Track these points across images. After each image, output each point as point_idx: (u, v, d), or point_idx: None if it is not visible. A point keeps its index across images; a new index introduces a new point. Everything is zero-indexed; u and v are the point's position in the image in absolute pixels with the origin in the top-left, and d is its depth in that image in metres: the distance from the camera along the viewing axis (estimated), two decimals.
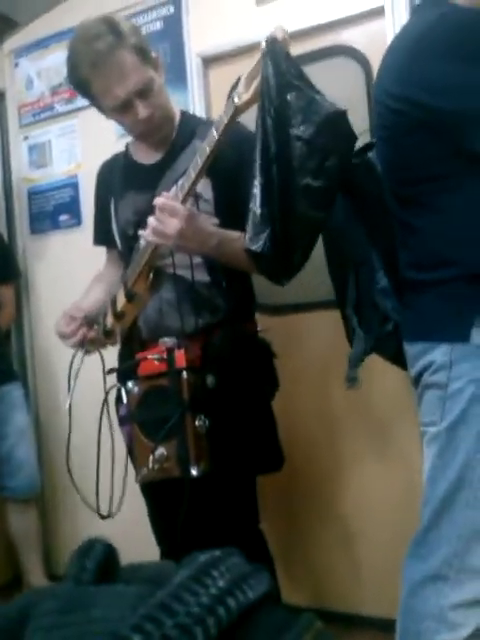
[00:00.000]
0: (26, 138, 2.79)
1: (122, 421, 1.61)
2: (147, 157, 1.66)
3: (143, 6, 2.46)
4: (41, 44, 2.71)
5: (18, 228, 2.83)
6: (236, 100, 1.30)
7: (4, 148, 2.84)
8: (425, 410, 1.25)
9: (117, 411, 1.64)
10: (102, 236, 1.82)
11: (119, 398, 1.59)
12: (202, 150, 1.37)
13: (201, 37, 2.38)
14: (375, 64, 2.10)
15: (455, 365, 1.17)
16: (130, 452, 1.57)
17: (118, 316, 1.63)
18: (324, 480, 2.26)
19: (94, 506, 1.56)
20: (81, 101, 2.58)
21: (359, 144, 1.42)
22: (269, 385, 1.67)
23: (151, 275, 1.57)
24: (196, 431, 1.42)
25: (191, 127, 1.61)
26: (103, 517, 1.54)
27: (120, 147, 1.88)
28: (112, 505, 1.54)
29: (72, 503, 2.67)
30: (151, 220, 1.39)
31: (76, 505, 2.64)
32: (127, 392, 1.52)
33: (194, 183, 1.39)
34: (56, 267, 2.72)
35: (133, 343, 1.66)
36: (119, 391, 1.58)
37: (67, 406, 1.64)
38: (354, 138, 1.37)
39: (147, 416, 1.48)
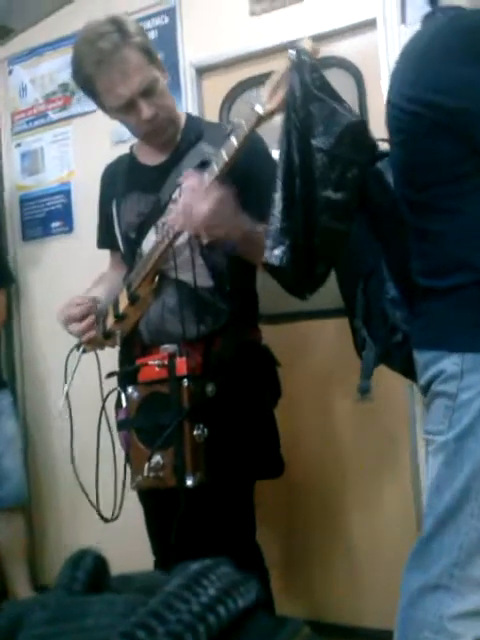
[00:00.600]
0: (19, 145, 2.79)
1: (120, 426, 1.60)
2: (152, 159, 1.65)
3: (138, 16, 2.47)
4: (35, 52, 2.72)
5: (10, 235, 2.83)
6: (259, 109, 1.29)
7: None
8: (432, 419, 1.25)
9: (116, 415, 1.63)
10: (106, 239, 1.80)
11: (119, 402, 1.58)
12: (220, 157, 1.35)
13: (195, 47, 2.39)
14: (367, 76, 2.14)
15: (466, 375, 1.16)
16: (127, 458, 1.55)
17: (119, 318, 1.61)
18: (325, 492, 2.25)
19: (96, 510, 1.54)
20: (75, 108, 2.60)
21: None
22: (271, 393, 1.66)
23: (156, 279, 1.56)
24: (194, 440, 1.41)
25: (196, 129, 1.61)
26: (106, 520, 1.51)
27: (114, 155, 1.88)
28: (115, 508, 1.53)
29: (59, 512, 2.67)
30: (178, 205, 1.37)
31: (63, 514, 2.65)
32: (127, 397, 1.51)
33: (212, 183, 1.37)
34: (48, 274, 2.72)
35: (134, 347, 1.64)
36: (119, 395, 1.57)
37: (61, 404, 1.63)
38: (375, 148, 1.36)
39: (145, 422, 1.47)
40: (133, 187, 1.65)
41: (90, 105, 2.50)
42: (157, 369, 1.46)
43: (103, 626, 0.35)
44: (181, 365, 1.44)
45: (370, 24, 2.12)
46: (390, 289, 1.41)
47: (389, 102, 1.30)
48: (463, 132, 1.15)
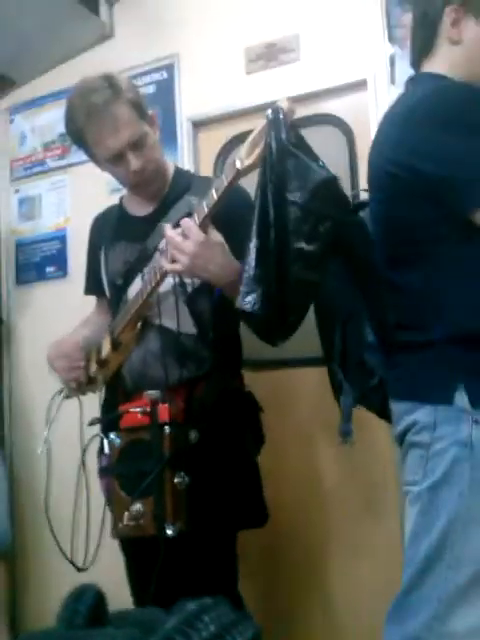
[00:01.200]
0: (17, 191, 2.85)
1: (102, 473, 1.59)
2: (140, 209, 1.69)
3: (137, 71, 2.56)
4: (36, 102, 2.80)
5: (4, 278, 2.85)
6: (238, 165, 1.33)
7: None
8: (408, 469, 1.25)
9: (98, 462, 1.62)
10: (93, 285, 1.83)
11: (101, 449, 1.57)
12: (200, 209, 1.39)
13: (192, 102, 2.47)
14: (357, 133, 2.22)
15: (438, 426, 1.18)
16: (109, 505, 1.54)
17: (102, 363, 1.63)
18: (309, 540, 2.23)
19: (67, 558, 1.53)
20: (73, 157, 2.66)
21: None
22: (254, 440, 1.65)
23: (139, 325, 1.57)
24: (175, 488, 1.40)
25: (184, 182, 1.65)
26: (79, 570, 1.50)
27: (109, 203, 1.92)
28: (87, 558, 1.51)
29: (42, 560, 2.62)
30: (169, 247, 1.39)
31: (45, 560, 2.60)
32: (109, 444, 1.49)
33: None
34: (40, 317, 2.74)
35: (117, 393, 1.64)
36: (102, 442, 1.56)
37: (39, 451, 1.62)
38: (347, 203, 1.40)
39: (126, 470, 1.45)
40: (121, 236, 1.69)
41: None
42: (139, 416, 1.45)
43: None
44: (163, 412, 1.43)
45: (361, 84, 2.21)
46: (368, 334, 1.43)
47: (370, 160, 1.36)
48: (437, 197, 1.20)
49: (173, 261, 1.40)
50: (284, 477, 2.20)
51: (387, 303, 1.35)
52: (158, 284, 1.51)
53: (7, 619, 2.48)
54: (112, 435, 1.49)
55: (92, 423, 1.61)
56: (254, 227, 1.32)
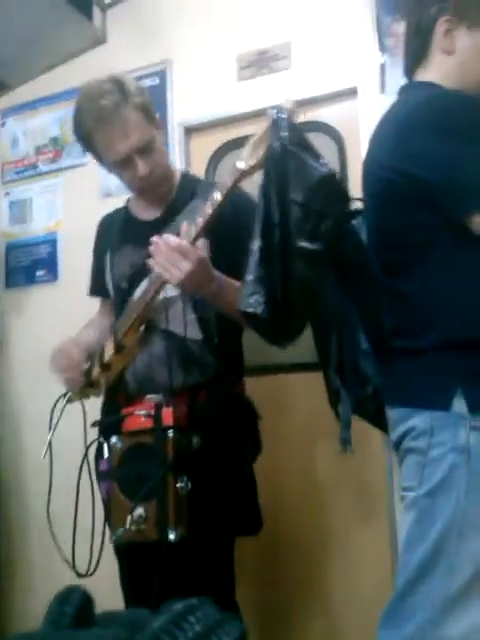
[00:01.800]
0: (7, 194, 2.84)
1: (101, 477, 1.57)
2: (146, 213, 1.69)
3: (130, 76, 2.56)
4: (29, 106, 2.80)
5: None
6: (241, 166, 1.34)
7: None
8: (405, 475, 1.26)
9: (97, 466, 1.60)
10: (97, 287, 1.82)
11: (100, 453, 1.56)
12: (203, 210, 1.39)
13: (184, 108, 2.49)
14: (348, 141, 2.24)
15: (436, 432, 1.18)
16: (107, 509, 1.51)
17: (105, 367, 1.61)
18: (305, 547, 2.23)
19: (69, 564, 1.51)
20: (65, 161, 2.67)
21: None
22: (252, 448, 1.65)
23: (142, 328, 1.57)
24: (177, 493, 1.39)
25: (191, 187, 1.65)
26: (80, 575, 1.46)
27: (101, 207, 1.93)
28: (91, 562, 1.49)
29: (29, 564, 2.60)
30: (158, 257, 1.39)
31: (33, 566, 2.58)
32: (110, 447, 1.48)
33: (196, 235, 1.40)
34: (30, 321, 2.73)
35: (118, 397, 1.63)
36: (100, 445, 1.54)
37: (43, 455, 1.61)
38: (348, 199, 1.41)
39: (127, 473, 1.44)
40: (127, 240, 1.69)
41: (79, 159, 2.60)
42: (142, 419, 1.44)
43: None
44: (167, 416, 1.43)
45: (351, 92, 2.23)
46: (362, 341, 1.44)
47: (365, 167, 1.37)
48: (433, 202, 1.21)
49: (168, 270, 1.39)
50: (281, 481, 2.20)
51: (383, 309, 1.36)
52: (160, 289, 1.51)
53: None
54: (114, 438, 1.48)
55: (95, 425, 1.61)
56: (257, 228, 1.32)
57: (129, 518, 1.38)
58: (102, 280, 1.75)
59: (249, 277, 1.32)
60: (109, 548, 1.56)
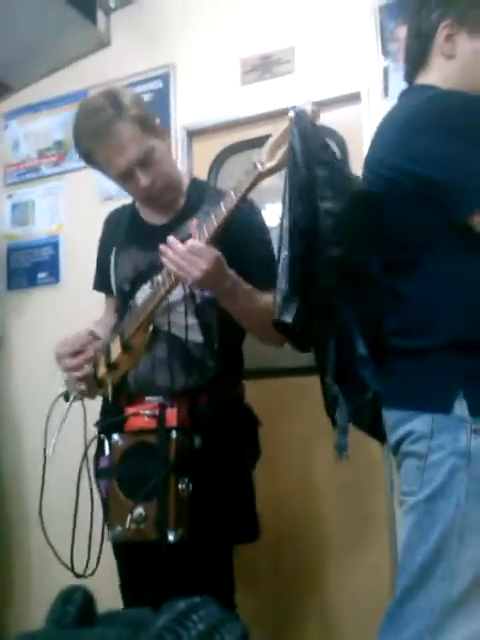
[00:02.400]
0: (10, 196, 2.85)
1: (101, 474, 1.57)
2: (154, 218, 1.69)
3: (133, 79, 2.57)
4: (32, 109, 2.80)
5: None
6: (259, 167, 1.32)
7: None
8: (404, 479, 1.24)
9: (96, 464, 1.60)
10: (101, 282, 1.81)
11: (100, 450, 1.56)
12: (217, 212, 1.37)
13: (187, 111, 2.49)
14: (351, 145, 2.24)
15: (436, 436, 1.17)
16: (105, 508, 1.52)
17: (111, 366, 1.60)
18: (303, 553, 2.22)
19: (65, 565, 1.50)
20: (68, 164, 2.67)
21: None
22: (251, 453, 1.65)
23: (150, 329, 1.56)
24: (178, 494, 1.39)
25: (199, 193, 1.64)
26: (78, 576, 1.47)
27: (103, 211, 1.92)
28: (89, 562, 1.49)
29: (28, 564, 2.60)
30: (171, 254, 1.38)
31: (32, 566, 2.58)
32: (111, 445, 1.48)
33: (210, 237, 1.38)
34: (31, 323, 2.73)
35: (120, 398, 1.62)
36: (101, 443, 1.54)
37: (49, 452, 1.60)
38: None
39: (128, 472, 1.45)
40: (132, 241, 1.68)
41: (82, 162, 2.59)
42: (146, 419, 1.45)
43: None
44: (171, 416, 1.43)
45: (355, 97, 2.23)
46: (359, 347, 1.43)
47: (366, 167, 1.37)
48: (436, 202, 1.21)
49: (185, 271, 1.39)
50: (278, 488, 2.19)
51: (384, 310, 1.35)
52: (171, 289, 1.50)
53: None
54: (115, 436, 1.49)
55: (96, 425, 1.61)
56: (284, 237, 1.30)
57: (129, 517, 1.38)
58: (106, 276, 1.75)
59: (281, 287, 1.31)
60: (109, 549, 1.56)
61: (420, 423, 1.19)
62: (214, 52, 2.45)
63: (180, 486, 1.40)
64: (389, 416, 1.30)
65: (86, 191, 2.58)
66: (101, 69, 2.62)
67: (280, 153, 1.30)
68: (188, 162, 2.49)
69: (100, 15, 2.60)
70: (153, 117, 1.60)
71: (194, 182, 1.74)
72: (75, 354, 1.62)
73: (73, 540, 1.54)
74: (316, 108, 1.30)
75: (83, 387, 1.63)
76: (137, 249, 1.66)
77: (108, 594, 1.82)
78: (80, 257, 2.48)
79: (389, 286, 1.33)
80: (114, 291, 1.73)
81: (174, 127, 2.49)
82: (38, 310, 2.73)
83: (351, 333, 1.46)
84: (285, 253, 1.31)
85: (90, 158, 1.58)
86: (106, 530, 1.49)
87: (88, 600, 0.41)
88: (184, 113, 2.49)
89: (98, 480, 1.58)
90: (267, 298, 1.44)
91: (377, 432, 1.39)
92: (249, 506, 1.62)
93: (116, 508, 1.44)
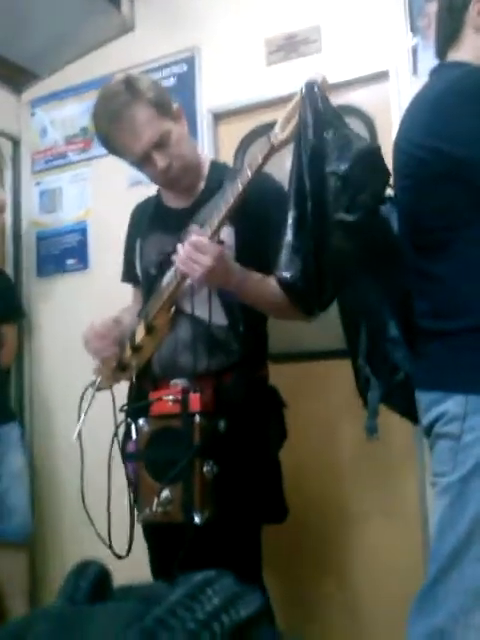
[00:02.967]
0: (38, 184, 2.87)
1: (129, 458, 1.59)
2: (177, 202, 1.70)
3: (157, 63, 2.56)
4: (58, 96, 2.81)
5: (25, 270, 2.88)
6: (272, 139, 1.34)
7: (16, 192, 2.91)
8: (437, 460, 1.24)
9: (123, 448, 1.63)
10: (128, 274, 1.85)
11: (127, 434, 1.58)
12: (234, 187, 1.39)
13: (212, 94, 2.47)
14: (379, 124, 2.20)
15: (469, 417, 1.17)
16: (134, 490, 1.55)
17: (136, 348, 1.63)
18: (330, 535, 2.22)
19: (108, 546, 1.53)
20: (95, 151, 2.68)
21: None
22: (277, 434, 1.65)
23: (173, 309, 1.58)
24: (203, 477, 1.41)
25: (220, 175, 1.65)
26: (119, 557, 1.49)
27: (130, 196, 1.93)
28: (127, 543, 1.52)
29: (63, 548, 2.64)
30: (181, 251, 1.40)
31: (67, 550, 2.62)
32: (137, 429, 1.51)
33: (225, 216, 1.41)
34: (60, 309, 2.76)
35: (145, 381, 1.65)
36: (128, 427, 1.57)
37: (74, 437, 1.63)
38: (388, 174, 1.40)
39: (155, 456, 1.47)
40: (156, 227, 1.71)
41: None
42: (170, 404, 1.47)
43: (107, 635, 0.36)
44: (194, 401, 1.44)
45: (383, 75, 2.19)
46: (391, 329, 1.42)
47: (397, 147, 1.34)
48: (469, 181, 1.19)
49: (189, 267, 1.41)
50: (304, 467, 2.19)
51: (414, 293, 1.34)
52: (181, 284, 1.53)
53: (28, 607, 2.51)
54: (141, 421, 1.51)
55: (122, 409, 1.62)
56: (291, 198, 1.33)
57: (156, 500, 1.40)
58: (133, 267, 1.78)
59: (286, 245, 1.33)
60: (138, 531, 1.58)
61: (453, 404, 1.19)
62: (238, 33, 2.42)
63: (205, 468, 1.41)
64: (422, 397, 1.29)
65: (113, 176, 2.59)
66: (126, 54, 2.61)
67: (291, 125, 1.33)
68: (214, 145, 2.47)
69: (124, 0, 2.59)
70: (170, 102, 1.61)
71: (214, 165, 1.74)
72: (102, 338, 1.64)
73: (109, 523, 1.56)
74: (326, 80, 1.34)
75: (113, 365, 1.66)
76: (161, 233, 1.68)
77: (139, 574, 1.85)
78: (108, 243, 2.50)
79: (419, 268, 1.32)
80: (140, 277, 1.74)
81: (199, 110, 2.48)
82: (67, 296, 2.76)
83: (382, 314, 1.45)
84: (292, 213, 1.33)
85: (109, 143, 1.60)
86: (136, 512, 1.51)
87: (102, 575, 0.41)
88: (209, 96, 2.48)
89: (126, 464, 1.60)
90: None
91: (410, 413, 1.39)
92: (276, 486, 1.63)
93: (144, 491, 1.47)
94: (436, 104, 1.23)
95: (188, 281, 1.52)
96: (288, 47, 2.33)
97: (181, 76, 2.53)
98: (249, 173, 1.36)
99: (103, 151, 2.64)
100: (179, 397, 1.46)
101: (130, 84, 1.54)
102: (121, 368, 1.67)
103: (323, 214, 1.30)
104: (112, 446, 1.57)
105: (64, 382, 2.63)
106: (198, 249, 1.37)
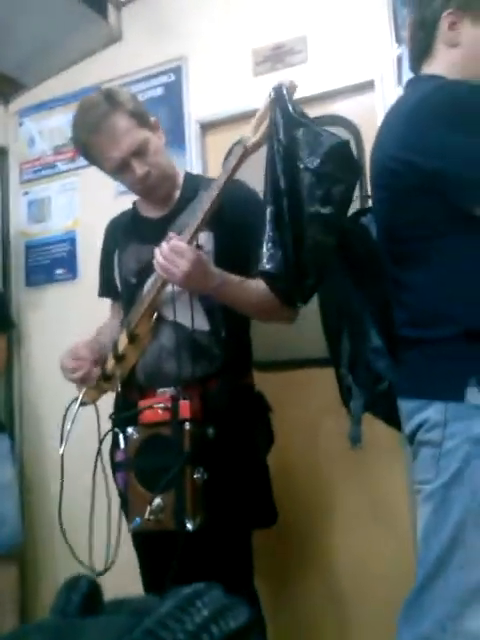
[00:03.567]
0: (26, 193, 2.87)
1: (117, 467, 1.60)
2: (153, 212, 1.73)
3: (145, 73, 2.58)
4: (45, 105, 2.82)
5: (14, 280, 2.87)
6: (245, 143, 1.39)
7: (4, 202, 2.91)
8: (419, 468, 1.25)
9: (112, 457, 1.63)
10: (106, 288, 1.86)
11: (115, 444, 1.58)
12: (210, 192, 1.42)
13: (200, 104, 2.48)
14: (365, 134, 2.22)
15: (450, 423, 1.18)
16: (123, 500, 1.55)
17: (119, 358, 1.63)
18: (317, 539, 2.23)
19: (85, 563, 1.53)
20: (84, 161, 2.65)
21: (352, 209, 1.48)
22: (264, 439, 1.67)
23: (154, 316, 1.59)
24: (194, 484, 1.41)
25: (194, 185, 1.67)
26: (98, 574, 1.48)
27: (117, 205, 1.94)
28: (107, 561, 1.51)
29: (54, 559, 2.63)
30: (158, 256, 1.43)
31: (58, 562, 2.61)
32: (126, 438, 1.51)
33: (202, 221, 1.43)
34: (50, 319, 2.75)
35: (131, 391, 1.65)
36: (115, 437, 1.57)
37: (60, 452, 1.62)
38: (358, 166, 1.45)
39: (145, 465, 1.48)
40: (133, 237, 1.73)
41: None
42: (160, 412, 1.47)
43: None
44: (184, 408, 1.46)
45: (368, 85, 2.21)
46: (374, 339, 1.44)
47: (372, 158, 1.37)
48: (441, 193, 1.21)
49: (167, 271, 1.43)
50: (291, 473, 2.20)
51: (394, 302, 1.36)
52: (162, 289, 1.54)
53: (19, 620, 2.49)
54: (130, 429, 1.51)
55: (111, 418, 1.63)
56: (268, 195, 1.36)
57: (149, 508, 1.40)
58: (110, 281, 1.79)
59: (266, 238, 1.36)
60: (128, 542, 1.57)
61: (434, 411, 1.20)
62: (226, 44, 2.44)
63: (196, 475, 1.42)
64: (403, 406, 1.31)
65: (102, 186, 2.58)
66: (113, 64, 2.63)
67: (262, 128, 1.38)
68: (202, 155, 2.48)
69: (111, 10, 2.60)
70: (148, 114, 1.65)
71: (188, 175, 1.78)
72: (76, 359, 1.66)
73: (90, 542, 1.55)
74: (293, 82, 1.42)
75: (78, 383, 1.67)
76: (138, 243, 1.70)
77: (129, 587, 1.84)
78: (97, 252, 2.48)
79: (397, 277, 1.34)
80: (120, 289, 1.75)
81: (187, 120, 2.49)
82: (56, 306, 2.75)
83: (364, 323, 1.47)
84: (269, 209, 1.36)
85: (88, 152, 1.63)
86: (123, 523, 1.51)
87: (93, 588, 0.41)
88: (197, 106, 2.49)
89: (115, 473, 1.60)
90: (262, 284, 1.46)
91: (394, 422, 1.40)
92: (265, 491, 1.65)
93: (135, 500, 1.47)
94: (409, 117, 1.25)
95: (168, 287, 1.54)
96: (275, 57, 2.35)
97: (168, 86, 2.54)
98: (225, 177, 1.40)
99: None
100: (169, 404, 1.47)
101: (110, 95, 1.58)
102: (105, 378, 1.67)
103: (299, 208, 1.33)
104: (97, 458, 1.57)
105: (54, 392, 2.61)
106: (176, 253, 1.40)
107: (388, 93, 2.14)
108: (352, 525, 2.19)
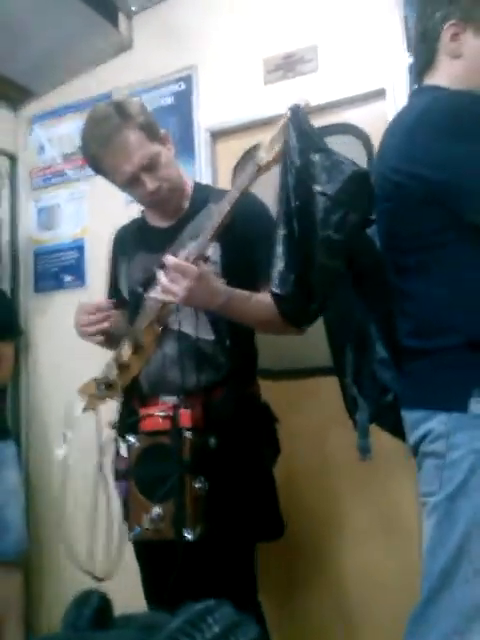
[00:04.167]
0: (36, 201, 2.88)
1: (118, 475, 1.59)
2: (161, 222, 1.72)
3: (155, 82, 2.58)
4: (55, 113, 2.83)
5: (22, 286, 2.88)
6: (258, 162, 1.37)
7: (13, 209, 2.92)
8: (424, 479, 1.24)
9: (113, 466, 1.62)
10: (112, 295, 1.85)
11: (117, 452, 1.58)
12: (221, 207, 1.41)
13: (210, 113, 2.49)
14: (376, 142, 2.20)
15: (453, 434, 1.17)
16: (124, 508, 1.54)
17: (122, 367, 1.63)
18: (323, 550, 2.21)
19: (88, 569, 1.52)
20: None
21: None
22: (270, 450, 1.65)
23: (160, 329, 1.58)
24: (195, 493, 1.41)
25: (204, 196, 1.67)
26: (99, 580, 1.48)
27: (127, 213, 1.94)
28: (109, 565, 1.51)
29: (57, 566, 2.62)
30: (161, 278, 1.41)
31: (61, 567, 2.60)
32: (128, 446, 1.51)
33: (213, 235, 1.41)
34: (57, 326, 2.75)
35: (133, 398, 1.65)
36: (118, 445, 1.56)
37: (60, 456, 1.62)
38: (374, 197, 1.44)
39: (145, 473, 1.47)
40: (141, 247, 1.72)
41: None
42: (161, 420, 1.47)
43: None
44: (185, 417, 1.45)
45: (379, 93, 2.21)
46: (379, 350, 1.44)
47: (377, 172, 1.37)
48: (444, 203, 1.21)
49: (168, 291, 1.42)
50: (297, 483, 2.18)
51: (398, 312, 1.35)
52: (164, 308, 1.53)
53: (23, 627, 2.48)
54: (131, 438, 1.51)
55: (113, 426, 1.62)
56: (281, 217, 1.37)
57: (147, 517, 1.40)
58: (117, 289, 1.79)
59: (277, 260, 1.36)
60: (131, 550, 1.56)
61: (437, 423, 1.20)
62: (236, 52, 2.44)
63: (196, 485, 1.41)
64: (408, 417, 1.30)
65: (111, 194, 2.57)
66: (123, 72, 2.64)
67: (277, 147, 1.36)
68: (212, 163, 2.48)
69: (122, 18, 2.61)
70: (158, 126, 1.64)
71: (197, 186, 1.78)
72: (90, 314, 1.62)
73: (92, 548, 1.55)
74: (308, 102, 1.41)
75: (99, 340, 1.62)
76: (146, 252, 1.69)
77: (131, 596, 1.83)
78: (105, 260, 2.49)
79: (400, 288, 1.34)
80: (127, 297, 1.75)
81: (197, 129, 2.49)
82: (64, 313, 2.73)
83: (369, 334, 1.47)
84: (281, 231, 1.37)
85: (98, 165, 1.61)
86: (125, 530, 1.50)
87: (104, 603, 0.41)
88: (207, 114, 2.49)
89: (117, 481, 1.60)
90: (268, 297, 1.45)
91: (401, 433, 1.40)
92: (272, 503, 1.63)
93: (135, 508, 1.46)
94: (412, 129, 1.25)
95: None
96: (286, 66, 2.35)
97: (179, 94, 2.55)
98: (237, 194, 1.39)
99: None
100: (170, 413, 1.46)
101: (120, 108, 1.57)
102: (107, 387, 1.66)
103: (310, 232, 1.33)
104: (98, 465, 1.56)
105: (60, 399, 2.60)
106: (178, 271, 1.38)
107: (400, 101, 2.13)
108: (360, 537, 2.17)
